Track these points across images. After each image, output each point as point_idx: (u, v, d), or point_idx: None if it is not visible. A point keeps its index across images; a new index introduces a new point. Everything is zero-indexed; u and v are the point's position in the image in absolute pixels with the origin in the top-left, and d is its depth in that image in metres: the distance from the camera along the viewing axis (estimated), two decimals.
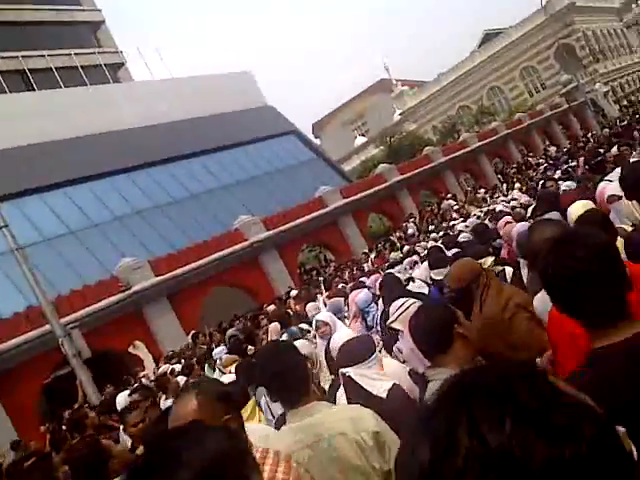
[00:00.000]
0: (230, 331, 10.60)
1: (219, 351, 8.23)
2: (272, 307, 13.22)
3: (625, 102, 44.16)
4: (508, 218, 6.97)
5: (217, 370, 7.67)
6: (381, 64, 54.89)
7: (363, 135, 72.43)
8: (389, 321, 3.31)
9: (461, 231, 10.06)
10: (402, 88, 57.11)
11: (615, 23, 58.79)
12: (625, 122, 24.95)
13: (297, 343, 3.69)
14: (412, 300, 3.35)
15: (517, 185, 18.74)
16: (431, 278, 5.58)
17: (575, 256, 1.47)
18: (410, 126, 49.91)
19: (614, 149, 10.75)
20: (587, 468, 0.56)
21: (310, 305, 8.71)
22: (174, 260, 18.46)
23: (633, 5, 69.76)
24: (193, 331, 14.37)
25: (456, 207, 20.40)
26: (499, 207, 12.37)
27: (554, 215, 4.22)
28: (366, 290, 6.35)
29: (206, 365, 8.78)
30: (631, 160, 6.54)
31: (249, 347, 7.77)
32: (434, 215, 21.28)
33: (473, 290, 3.24)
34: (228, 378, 4.75)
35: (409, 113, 55.04)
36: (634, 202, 3.51)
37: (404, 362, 3.14)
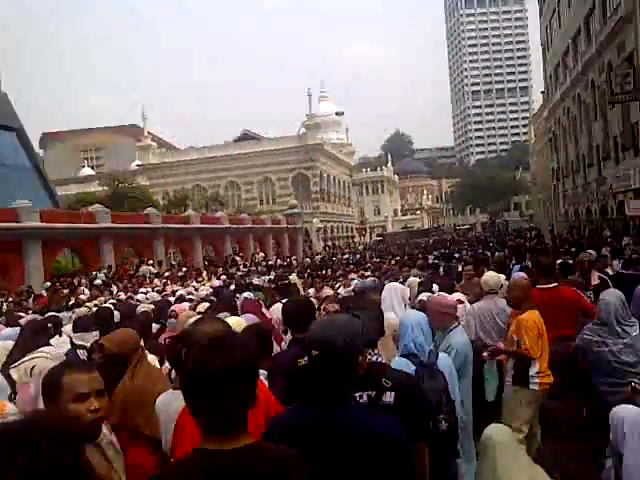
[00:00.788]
0: None
1: None
2: None
3: (329, 242, 50.11)
4: (183, 305, 7.20)
5: None
6: (140, 110, 53.32)
7: (92, 168, 68.16)
8: None
9: (139, 300, 9.73)
10: (151, 143, 56.24)
11: (346, 177, 68.26)
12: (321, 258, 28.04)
13: None
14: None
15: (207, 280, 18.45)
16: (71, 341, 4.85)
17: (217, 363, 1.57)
18: (143, 181, 48.60)
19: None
20: None
21: None
22: None
23: (363, 169, 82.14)
24: None
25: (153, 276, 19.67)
26: (182, 291, 12.03)
27: (223, 315, 4.48)
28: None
29: None
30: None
31: None
32: (128, 276, 20.11)
33: (130, 359, 3.14)
34: None
35: (148, 168, 53.92)
36: None
37: None
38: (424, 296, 5.56)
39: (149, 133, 57.14)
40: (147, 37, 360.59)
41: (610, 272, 8.15)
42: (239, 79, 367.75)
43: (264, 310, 6.22)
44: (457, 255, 17.17)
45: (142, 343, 3.51)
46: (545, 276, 5.67)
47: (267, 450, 1.65)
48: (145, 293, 12.44)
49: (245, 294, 7.69)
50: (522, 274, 5.98)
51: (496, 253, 15.38)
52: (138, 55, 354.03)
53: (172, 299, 9.60)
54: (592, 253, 10.81)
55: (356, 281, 9.93)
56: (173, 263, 26.26)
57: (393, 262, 14.84)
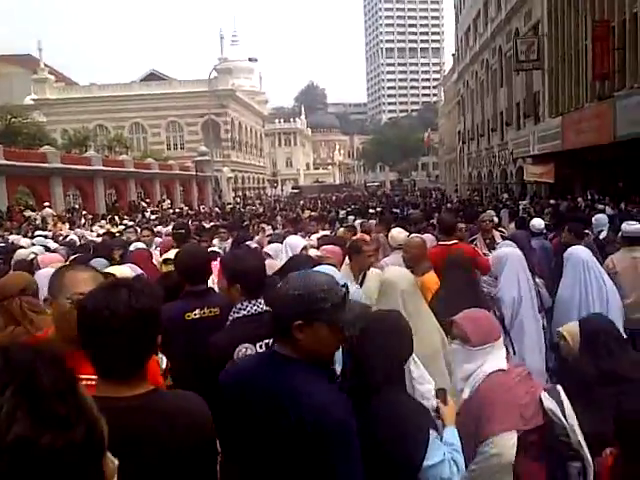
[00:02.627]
0: None
1: None
2: None
3: (240, 192, 49.46)
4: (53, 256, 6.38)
5: None
6: (36, 41, 49.08)
7: None
8: None
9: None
10: (48, 75, 52.17)
11: (258, 126, 67.06)
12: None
13: None
14: None
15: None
16: None
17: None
18: (40, 117, 45.11)
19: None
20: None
21: None
22: None
23: (276, 120, 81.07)
24: None
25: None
26: (74, 237, 11.38)
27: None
28: None
29: None
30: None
31: None
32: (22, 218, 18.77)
33: None
34: None
35: (44, 104, 50.11)
36: None
37: None
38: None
39: (46, 65, 52.89)
40: None
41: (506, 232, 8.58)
42: (148, 17, 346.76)
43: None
44: (372, 211, 17.47)
45: None
46: (446, 234, 5.86)
47: (166, 399, 1.63)
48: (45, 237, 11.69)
49: (135, 244, 7.27)
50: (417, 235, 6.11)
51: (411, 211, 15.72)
52: None
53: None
54: (492, 214, 11.40)
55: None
56: (76, 207, 24.87)
57: (306, 216, 14.85)
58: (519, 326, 4.44)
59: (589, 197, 15.91)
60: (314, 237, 7.30)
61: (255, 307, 2.65)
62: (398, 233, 6.10)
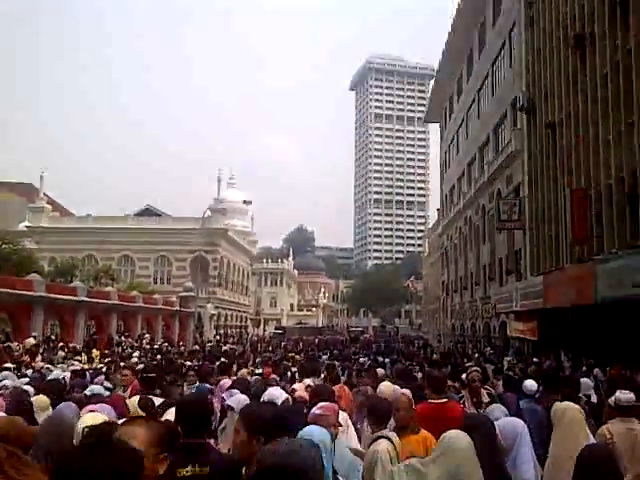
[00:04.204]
0: None
1: None
2: None
3: (221, 330, 48.83)
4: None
5: None
6: (39, 171, 51.18)
7: None
8: None
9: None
10: (45, 205, 53.67)
11: (246, 265, 68.05)
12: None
13: None
14: None
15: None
16: None
17: None
18: (30, 244, 45.63)
19: None
20: None
21: None
22: None
23: (264, 260, 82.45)
24: None
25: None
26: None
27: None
28: None
29: None
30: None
31: None
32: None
33: None
34: None
35: (37, 232, 50.97)
36: None
37: None
38: None
39: (45, 194, 54.61)
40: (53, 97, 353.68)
41: (493, 391, 8.42)
42: (147, 155, 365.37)
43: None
44: (354, 357, 17.24)
45: None
46: (437, 391, 5.72)
47: None
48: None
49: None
50: (406, 391, 5.92)
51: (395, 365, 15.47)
52: (41, 114, 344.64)
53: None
54: (478, 370, 11.26)
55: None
56: (52, 337, 24.28)
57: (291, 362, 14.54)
58: None
59: (565, 358, 15.90)
60: (299, 386, 7.06)
61: None
62: (386, 387, 5.95)
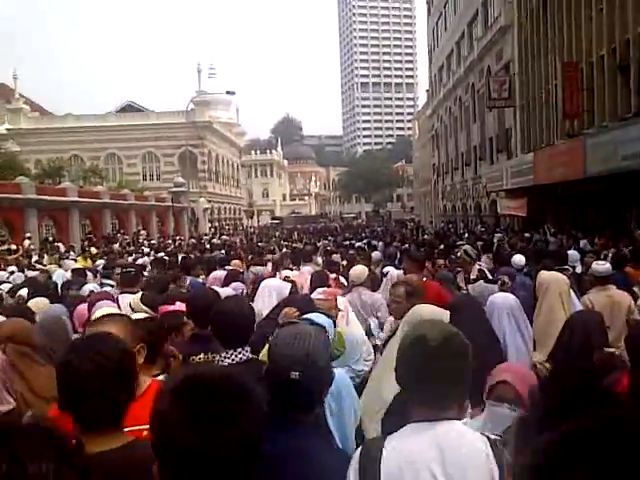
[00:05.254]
0: None
1: None
2: None
3: (216, 224, 49.29)
4: None
5: None
6: (11, 70, 49.00)
7: None
8: None
9: None
10: (23, 105, 51.89)
11: (235, 158, 67.33)
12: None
13: None
14: None
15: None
16: None
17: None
18: (13, 147, 44.67)
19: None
20: None
21: None
22: None
23: (252, 152, 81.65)
24: None
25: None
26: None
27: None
28: None
29: None
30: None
31: None
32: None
33: None
34: None
35: (18, 134, 49.69)
36: None
37: None
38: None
39: (21, 95, 52.65)
40: None
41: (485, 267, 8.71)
42: (125, 49, 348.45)
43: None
44: (347, 243, 17.60)
45: None
46: (416, 270, 5.98)
47: (144, 450, 1.61)
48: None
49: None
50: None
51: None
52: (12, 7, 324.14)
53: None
54: (468, 247, 11.59)
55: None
56: (49, 238, 24.50)
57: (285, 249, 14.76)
58: None
59: (549, 232, 16.28)
60: (293, 273, 7.16)
61: (240, 355, 2.64)
62: (356, 269, 6.03)
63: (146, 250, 18.59)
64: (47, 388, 2.69)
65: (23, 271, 11.09)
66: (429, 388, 1.64)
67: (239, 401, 1.15)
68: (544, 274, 5.30)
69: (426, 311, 3.02)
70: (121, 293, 5.47)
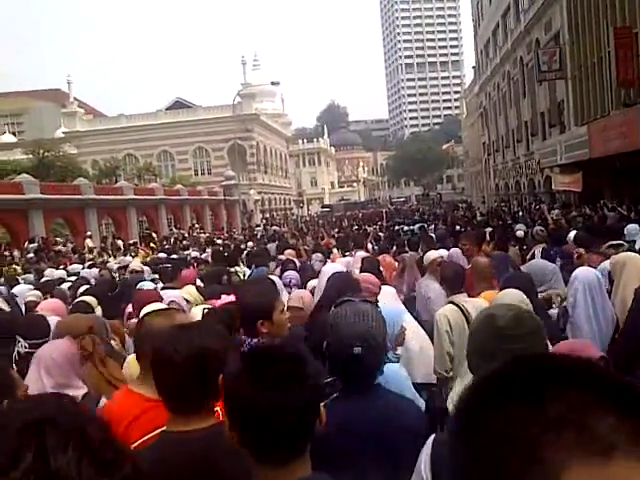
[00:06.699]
0: None
1: None
2: None
3: (267, 215, 49.94)
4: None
5: None
6: (65, 75, 50.68)
7: (14, 134, 64.55)
8: None
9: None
10: (77, 109, 53.74)
11: (282, 148, 67.80)
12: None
13: None
14: None
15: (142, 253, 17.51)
16: None
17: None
18: (71, 149, 46.48)
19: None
20: None
21: None
22: None
23: (299, 141, 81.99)
24: None
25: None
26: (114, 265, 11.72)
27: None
28: None
29: None
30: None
31: None
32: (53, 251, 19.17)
33: None
34: None
35: (75, 136, 51.58)
36: None
37: None
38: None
39: (75, 99, 54.50)
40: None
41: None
42: (172, 46, 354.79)
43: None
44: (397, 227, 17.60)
45: None
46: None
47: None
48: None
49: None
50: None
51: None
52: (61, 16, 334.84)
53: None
54: (522, 227, 11.42)
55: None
56: (107, 235, 25.51)
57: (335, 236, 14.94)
58: None
59: (606, 207, 15.75)
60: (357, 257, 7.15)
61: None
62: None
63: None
64: (115, 376, 2.95)
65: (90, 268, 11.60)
66: None
67: (297, 364, 1.38)
68: (618, 256, 5.15)
69: (509, 297, 2.90)
70: (162, 289, 5.50)
